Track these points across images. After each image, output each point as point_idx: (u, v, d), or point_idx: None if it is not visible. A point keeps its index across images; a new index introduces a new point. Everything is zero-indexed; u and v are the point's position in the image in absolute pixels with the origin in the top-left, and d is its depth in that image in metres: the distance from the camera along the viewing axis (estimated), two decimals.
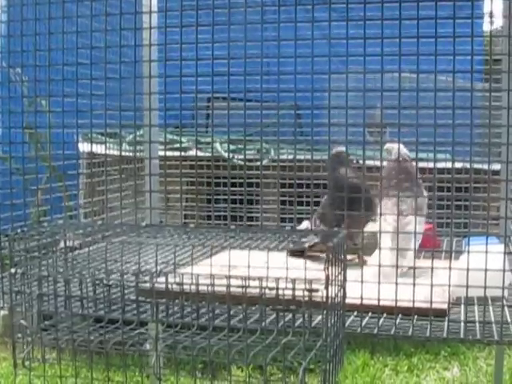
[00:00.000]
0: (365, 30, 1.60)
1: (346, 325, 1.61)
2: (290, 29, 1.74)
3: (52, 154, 2.08)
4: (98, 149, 2.54)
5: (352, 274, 1.59)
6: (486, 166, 1.77)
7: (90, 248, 1.83)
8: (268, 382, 1.47)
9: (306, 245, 1.97)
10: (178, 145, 2.82)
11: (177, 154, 2.69)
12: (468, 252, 1.59)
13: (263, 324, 1.44)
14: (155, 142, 2.07)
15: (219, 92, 1.83)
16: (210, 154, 2.76)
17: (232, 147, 3.25)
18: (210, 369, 1.50)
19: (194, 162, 2.05)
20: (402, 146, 2.04)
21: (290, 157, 2.04)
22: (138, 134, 2.38)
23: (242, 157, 3.03)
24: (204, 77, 1.76)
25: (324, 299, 1.38)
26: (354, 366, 3.81)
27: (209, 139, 3.19)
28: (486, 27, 2.75)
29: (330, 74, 1.65)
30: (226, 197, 1.95)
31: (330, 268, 1.38)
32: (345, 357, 1.60)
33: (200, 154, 2.98)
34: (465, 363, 3.97)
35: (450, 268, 1.59)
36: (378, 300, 1.61)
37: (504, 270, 1.57)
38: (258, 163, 2.29)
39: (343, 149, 2.10)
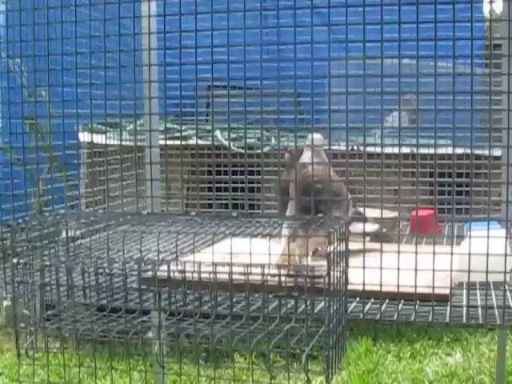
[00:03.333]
0: (364, 15, 1.59)
1: (349, 311, 1.61)
2: (290, 16, 1.73)
3: (52, 144, 2.08)
4: (98, 139, 2.54)
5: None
6: (486, 152, 1.77)
7: (92, 237, 1.83)
8: (271, 369, 1.47)
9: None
10: (178, 133, 2.82)
11: (177, 142, 2.69)
12: (470, 237, 1.59)
13: (266, 311, 1.44)
14: (155, 131, 2.07)
15: (219, 80, 1.83)
16: (210, 143, 2.76)
17: (232, 135, 3.25)
18: (213, 356, 1.51)
19: (194, 151, 2.04)
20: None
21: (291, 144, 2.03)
22: (138, 123, 2.37)
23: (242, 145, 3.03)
24: (204, 65, 1.76)
25: (326, 285, 1.38)
26: (356, 353, 3.82)
27: (209, 127, 3.19)
28: (486, 12, 2.75)
29: (329, 60, 1.65)
30: (226, 185, 1.95)
31: (331, 254, 1.38)
32: (347, 343, 1.60)
33: (200, 142, 2.97)
34: (467, 349, 3.98)
35: (451, 253, 1.59)
36: (381, 286, 1.61)
37: (506, 255, 1.57)
38: (259, 151, 2.28)
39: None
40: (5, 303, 4.34)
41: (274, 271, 1.41)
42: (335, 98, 1.68)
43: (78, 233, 1.94)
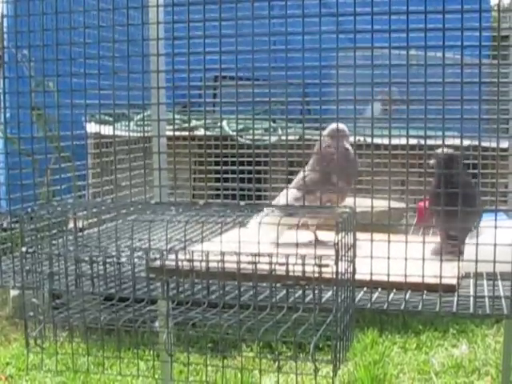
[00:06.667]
0: (372, 6, 1.59)
1: (356, 301, 1.61)
2: (295, 7, 1.73)
3: (58, 135, 2.08)
4: (105, 129, 2.54)
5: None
6: (493, 144, 1.77)
7: (101, 227, 1.83)
8: (278, 359, 1.47)
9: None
10: (184, 124, 2.82)
11: (184, 133, 2.69)
12: (477, 227, 1.59)
13: (273, 300, 1.45)
14: (163, 120, 2.07)
15: (226, 70, 1.82)
16: (216, 134, 2.76)
17: (239, 126, 3.24)
18: (220, 345, 1.51)
19: (201, 142, 2.05)
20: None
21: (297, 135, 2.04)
22: (144, 114, 2.37)
23: (248, 136, 3.03)
24: (211, 54, 1.75)
25: (334, 275, 1.38)
26: (362, 344, 3.83)
27: (215, 118, 3.19)
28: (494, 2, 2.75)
29: (337, 50, 1.65)
30: (234, 175, 1.95)
31: (339, 243, 1.39)
32: (354, 334, 1.60)
33: (207, 133, 2.97)
34: (473, 340, 3.99)
35: (458, 243, 1.60)
36: (388, 275, 1.61)
37: None
38: (265, 142, 2.28)
39: None
40: (12, 294, 4.36)
41: (282, 260, 1.42)
42: (340, 90, 1.68)
43: (85, 223, 1.95)
